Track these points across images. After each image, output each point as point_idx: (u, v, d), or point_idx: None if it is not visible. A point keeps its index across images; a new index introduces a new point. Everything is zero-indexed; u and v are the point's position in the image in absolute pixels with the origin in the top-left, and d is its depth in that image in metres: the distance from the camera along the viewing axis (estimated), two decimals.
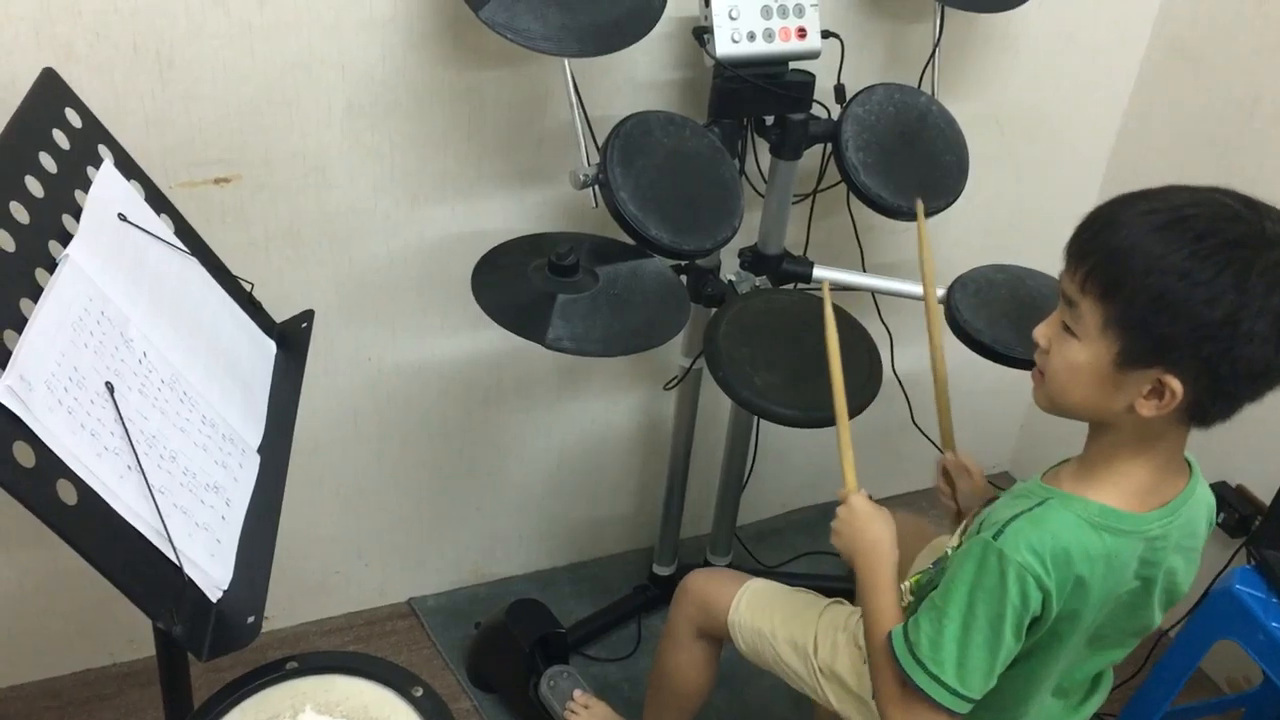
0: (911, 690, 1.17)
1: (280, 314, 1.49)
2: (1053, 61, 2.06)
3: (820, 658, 1.46)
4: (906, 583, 1.38)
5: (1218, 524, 1.95)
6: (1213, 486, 1.93)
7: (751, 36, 1.63)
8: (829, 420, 1.52)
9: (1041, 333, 1.17)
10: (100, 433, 1.04)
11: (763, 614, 1.53)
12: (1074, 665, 1.27)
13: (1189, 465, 1.21)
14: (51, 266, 1.09)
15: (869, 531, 1.32)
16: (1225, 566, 1.90)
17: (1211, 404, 1.09)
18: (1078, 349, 1.12)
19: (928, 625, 1.17)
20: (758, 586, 1.57)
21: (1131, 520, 1.15)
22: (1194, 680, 1.79)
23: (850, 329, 1.68)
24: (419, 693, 1.19)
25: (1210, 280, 1.02)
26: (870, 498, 1.37)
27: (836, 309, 1.71)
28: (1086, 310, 1.10)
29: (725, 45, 1.62)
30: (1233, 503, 1.97)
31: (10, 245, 1.05)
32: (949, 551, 1.29)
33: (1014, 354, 1.67)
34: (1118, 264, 1.06)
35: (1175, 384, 1.07)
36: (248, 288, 1.44)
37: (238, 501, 1.21)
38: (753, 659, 1.56)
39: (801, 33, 1.66)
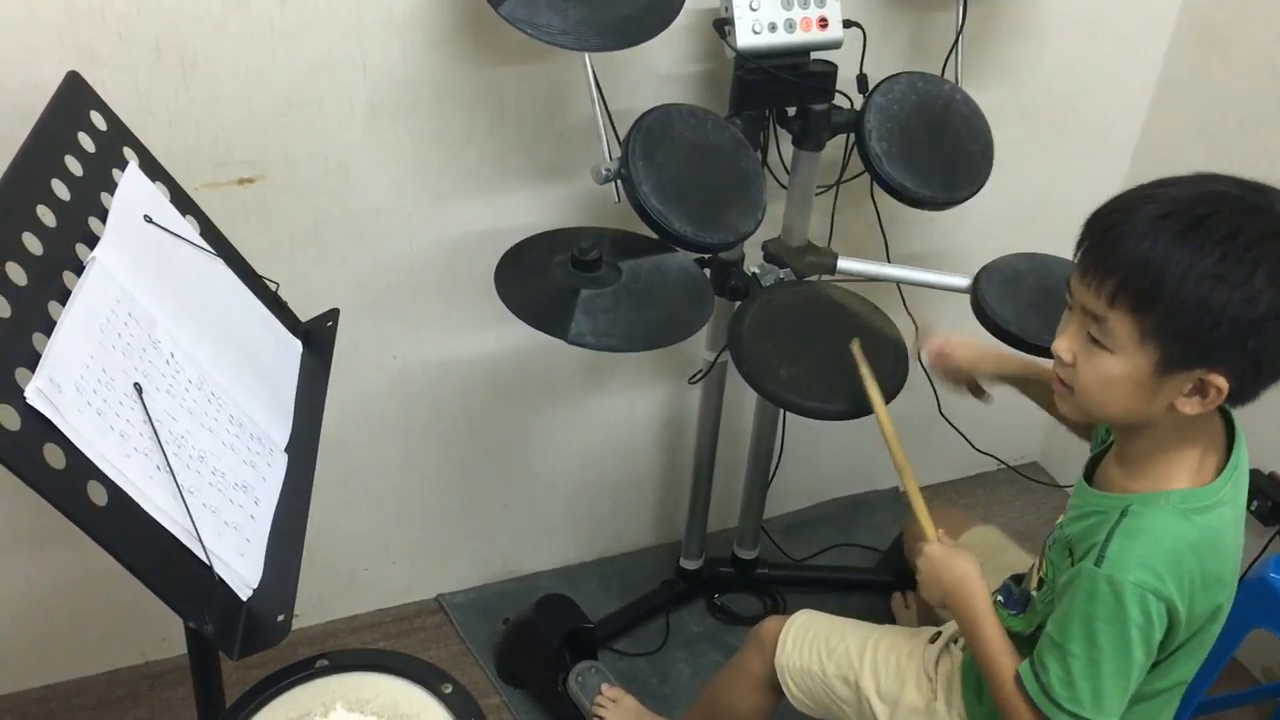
0: None
1: (305, 313, 1.49)
2: (1078, 47, 2.04)
3: (884, 687, 1.43)
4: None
5: (1250, 511, 1.95)
6: None
7: (772, 27, 1.62)
8: (855, 413, 1.51)
9: (1065, 347, 1.17)
10: (129, 433, 1.04)
11: (809, 651, 1.50)
12: None
13: (1222, 415, 1.22)
14: (79, 269, 1.09)
15: (953, 570, 1.32)
16: (1260, 555, 1.88)
17: (1250, 390, 1.11)
18: (1112, 362, 1.11)
19: (1055, 665, 1.17)
20: (801, 621, 1.54)
21: (1211, 493, 1.16)
22: (1228, 670, 1.78)
23: (876, 320, 1.68)
24: (449, 689, 1.19)
25: (1246, 280, 1.03)
26: (942, 540, 1.38)
27: (860, 299, 1.71)
28: (1117, 324, 1.09)
29: (746, 37, 1.61)
30: (1266, 490, 1.94)
31: (38, 249, 1.06)
32: (1033, 593, 1.30)
33: (1042, 343, 1.66)
34: (1148, 276, 1.06)
35: (1220, 381, 1.08)
36: (273, 287, 1.44)
37: (266, 500, 1.22)
38: (808, 707, 1.52)
39: (823, 23, 1.65)
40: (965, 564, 1.32)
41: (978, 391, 1.51)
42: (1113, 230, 1.09)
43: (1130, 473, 1.20)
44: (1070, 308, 1.16)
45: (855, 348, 1.52)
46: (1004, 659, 1.24)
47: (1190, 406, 1.10)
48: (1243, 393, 1.10)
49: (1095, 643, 1.14)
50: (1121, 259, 1.08)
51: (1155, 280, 1.06)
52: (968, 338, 1.52)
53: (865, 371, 1.49)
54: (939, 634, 1.45)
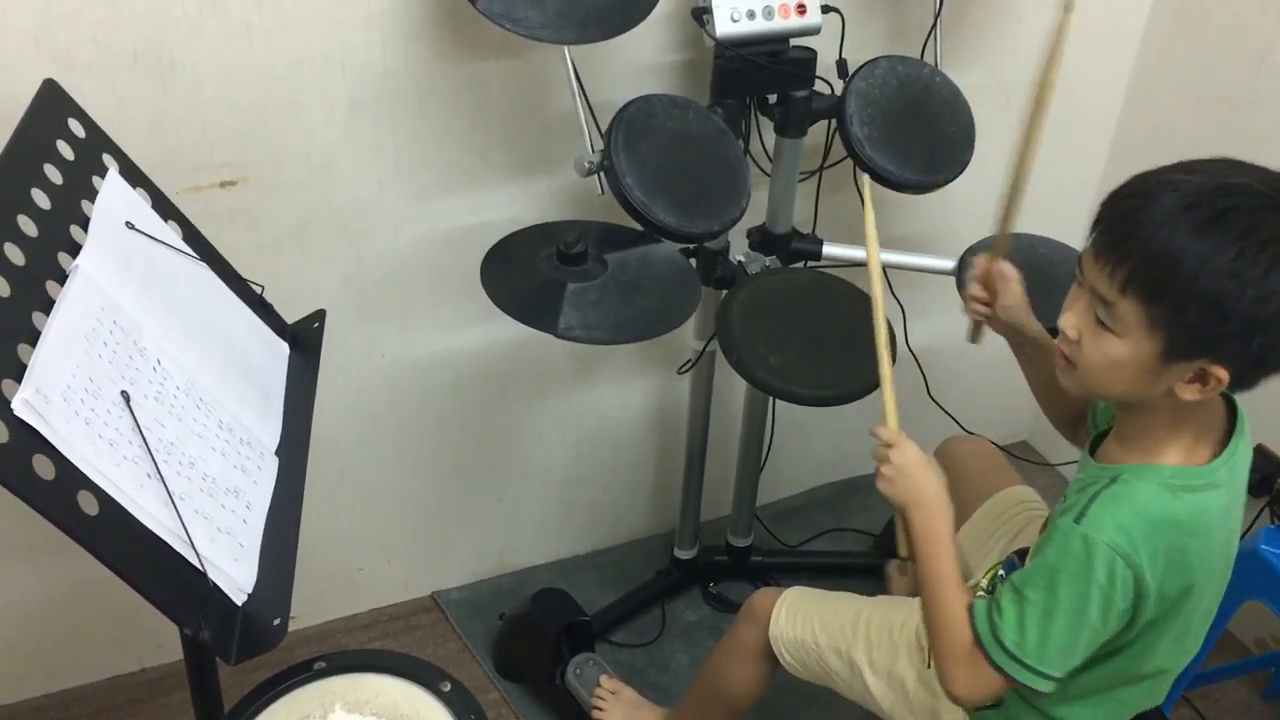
0: (981, 658, 1.18)
1: (292, 314, 1.49)
2: None
3: (877, 659, 1.44)
4: (983, 579, 1.38)
5: None
6: None
7: (751, 15, 1.62)
8: (845, 398, 1.51)
9: (1071, 324, 1.16)
10: (118, 442, 1.04)
11: (802, 623, 1.51)
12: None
13: (1228, 404, 1.22)
14: (62, 278, 1.09)
15: (925, 485, 1.27)
16: (1250, 527, 1.89)
17: (1249, 381, 1.12)
18: (1117, 345, 1.11)
19: (1010, 608, 1.17)
20: (795, 595, 1.55)
21: (1203, 474, 1.16)
22: (1222, 642, 1.79)
23: (863, 305, 1.68)
24: (447, 687, 1.19)
25: (1261, 279, 1.03)
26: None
27: (847, 285, 1.71)
28: (1126, 310, 1.09)
29: (725, 25, 1.61)
30: (1255, 463, 1.95)
31: (20, 259, 1.05)
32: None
33: None
34: (1163, 267, 1.06)
35: (1221, 372, 1.08)
36: (258, 290, 1.44)
37: (258, 504, 1.22)
38: (803, 674, 1.54)
39: (801, 9, 1.65)
40: (937, 480, 1.28)
41: (977, 329, 1.46)
42: (1131, 215, 1.09)
43: (1126, 446, 1.21)
44: (1080, 284, 1.16)
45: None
46: (955, 589, 1.23)
47: (1190, 393, 1.11)
48: (1242, 382, 1.11)
49: (1055, 594, 1.14)
50: (1137, 246, 1.07)
51: (1170, 272, 1.05)
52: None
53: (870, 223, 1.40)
54: (903, 559, 1.45)
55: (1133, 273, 1.08)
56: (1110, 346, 1.12)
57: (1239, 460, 1.20)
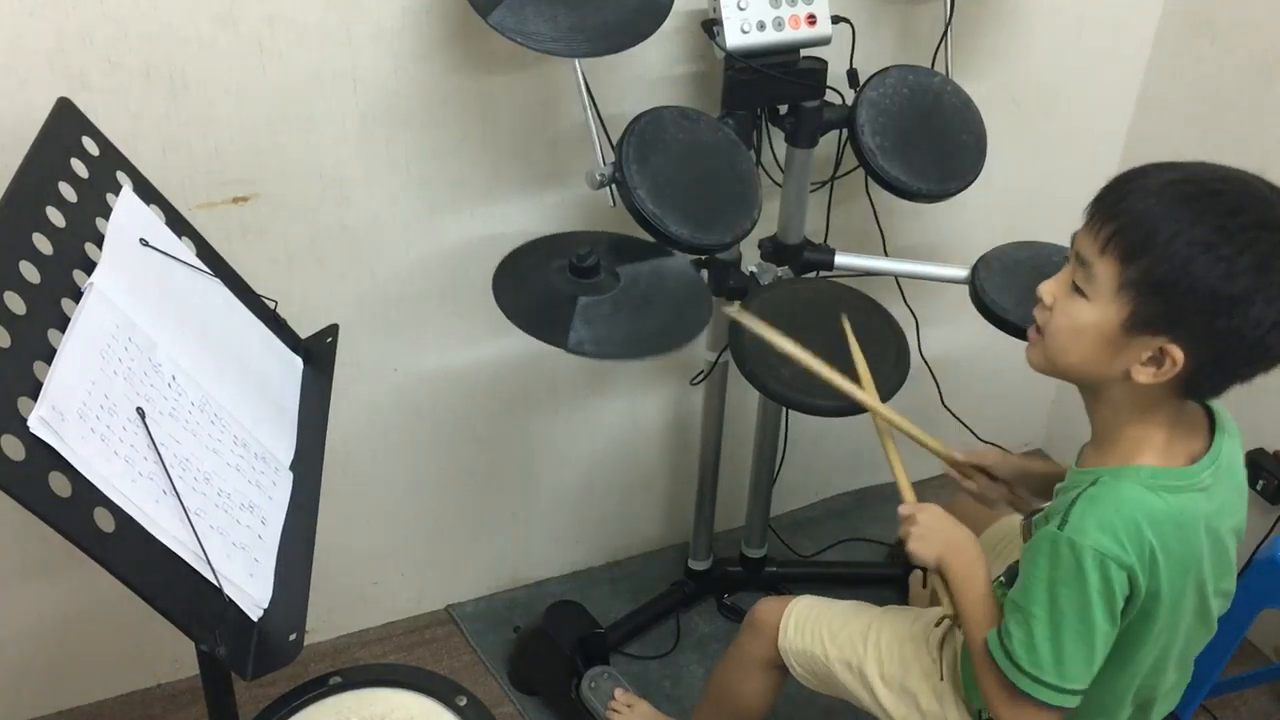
0: (1016, 691, 1.18)
1: (305, 329, 1.49)
2: (1066, 35, 2.04)
3: (888, 672, 1.44)
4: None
5: (1256, 491, 1.95)
6: (1250, 453, 1.93)
7: (761, 26, 1.62)
8: (858, 408, 1.51)
9: (1048, 289, 1.18)
10: (134, 458, 1.04)
11: (811, 635, 1.51)
12: (1190, 639, 1.26)
13: (1207, 411, 1.22)
14: (77, 296, 1.09)
15: (957, 533, 1.31)
16: (1267, 535, 1.88)
17: (1207, 379, 1.11)
18: (1085, 309, 1.13)
19: (1018, 629, 1.17)
20: (803, 606, 1.55)
21: (1185, 475, 1.15)
22: (1241, 650, 1.78)
23: (876, 315, 1.68)
24: (463, 701, 1.19)
25: (1232, 257, 1.04)
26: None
27: (858, 294, 1.71)
28: (1101, 271, 1.10)
29: (735, 36, 1.61)
30: (1271, 469, 1.94)
31: (35, 277, 1.06)
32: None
33: None
34: (1144, 228, 1.07)
35: (1177, 353, 1.08)
36: (271, 305, 1.44)
37: (273, 519, 1.22)
38: (813, 684, 1.54)
39: (811, 19, 1.65)
40: (967, 530, 1.32)
41: (1019, 500, 1.47)
42: (1127, 183, 1.11)
43: (1101, 449, 1.22)
44: (1068, 258, 1.17)
45: (845, 325, 1.53)
46: (986, 623, 1.24)
47: (1145, 375, 1.10)
48: (1200, 378, 1.10)
49: (1057, 606, 1.14)
50: (1124, 209, 1.09)
51: (1148, 234, 1.07)
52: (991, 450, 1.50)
53: (856, 350, 1.50)
54: (945, 618, 1.45)
55: (1115, 233, 1.09)
56: (1078, 310, 1.13)
57: (1224, 464, 1.19)
